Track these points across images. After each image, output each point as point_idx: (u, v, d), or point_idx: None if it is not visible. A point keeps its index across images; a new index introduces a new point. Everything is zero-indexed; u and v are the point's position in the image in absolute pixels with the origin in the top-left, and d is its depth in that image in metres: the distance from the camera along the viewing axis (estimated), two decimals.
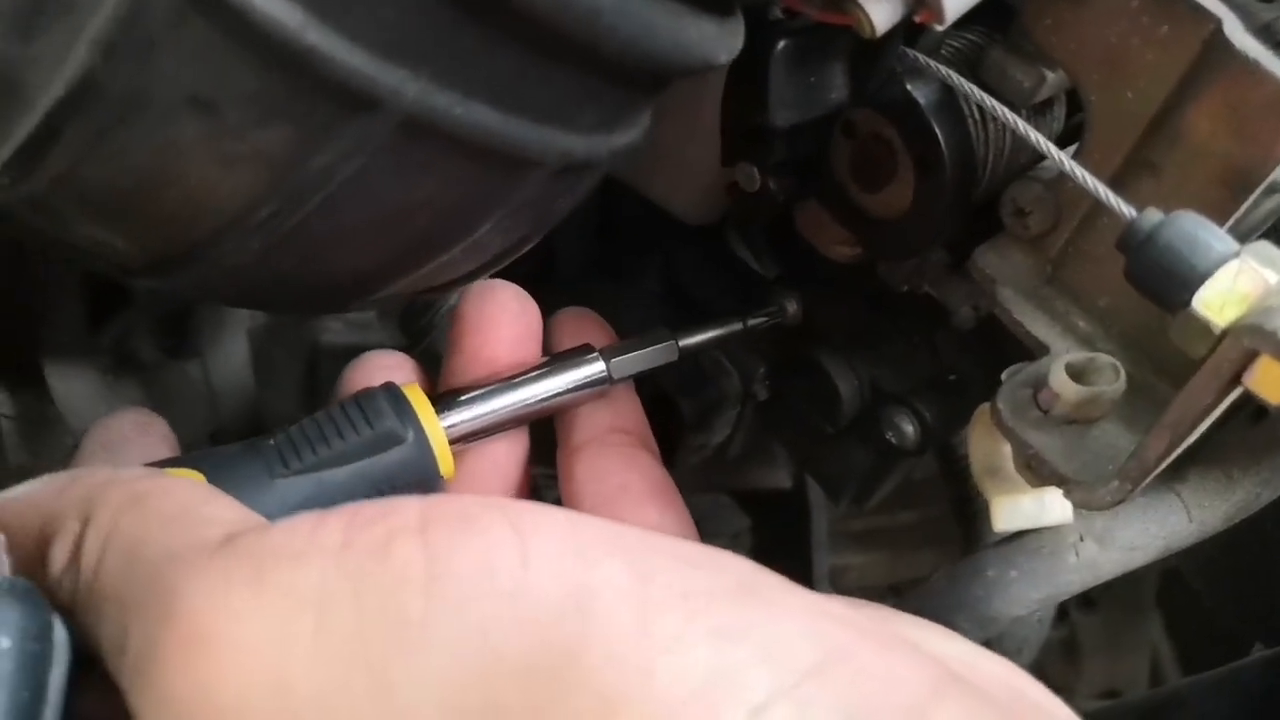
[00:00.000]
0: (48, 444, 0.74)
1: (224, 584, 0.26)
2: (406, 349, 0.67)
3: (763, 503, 0.91)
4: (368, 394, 0.45)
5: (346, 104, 0.29)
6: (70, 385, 0.70)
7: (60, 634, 0.29)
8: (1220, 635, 1.04)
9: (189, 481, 0.33)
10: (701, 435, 0.62)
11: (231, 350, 0.71)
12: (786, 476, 0.85)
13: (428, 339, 0.62)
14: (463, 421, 0.45)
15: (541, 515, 0.27)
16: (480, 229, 0.37)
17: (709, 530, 1.00)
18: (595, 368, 0.49)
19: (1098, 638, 1.20)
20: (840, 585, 1.10)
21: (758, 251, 0.64)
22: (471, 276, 0.44)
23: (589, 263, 0.83)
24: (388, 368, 0.48)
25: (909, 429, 0.56)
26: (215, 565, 0.27)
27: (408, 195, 0.33)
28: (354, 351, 0.78)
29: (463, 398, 0.46)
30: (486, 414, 0.46)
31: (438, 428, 0.44)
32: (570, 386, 0.48)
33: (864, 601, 0.33)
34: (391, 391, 0.44)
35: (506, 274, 0.76)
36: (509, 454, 0.49)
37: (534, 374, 0.47)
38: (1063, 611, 1.19)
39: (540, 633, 0.24)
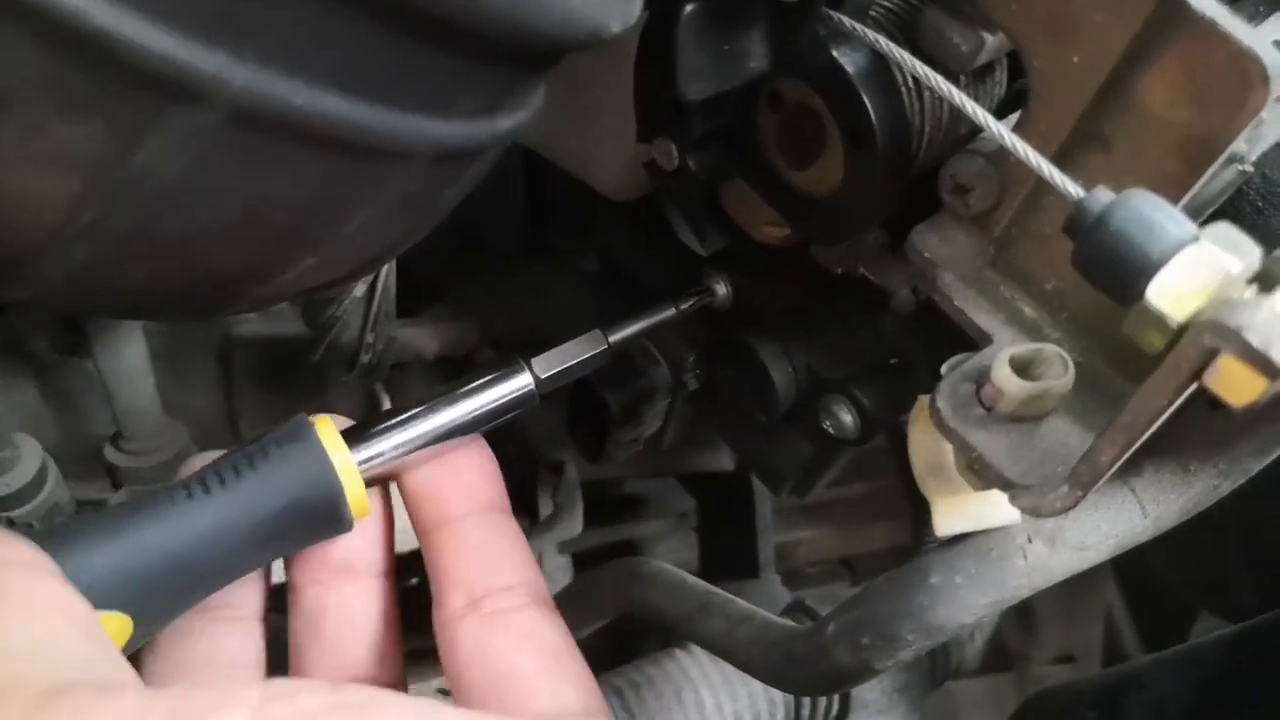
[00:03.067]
0: None
1: None
2: (313, 341, 0.63)
3: (707, 484, 0.88)
4: (282, 430, 0.41)
5: (160, 95, 0.25)
6: None
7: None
8: (1174, 601, 1.03)
9: (50, 587, 0.31)
10: (631, 429, 0.58)
11: (127, 347, 0.66)
12: (729, 459, 0.82)
13: (332, 332, 0.58)
14: (378, 455, 0.41)
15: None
16: (349, 225, 0.32)
17: (655, 512, 0.97)
18: (521, 379, 0.45)
19: (1053, 604, 1.19)
20: (791, 560, 1.07)
21: (696, 228, 0.60)
22: (360, 273, 0.40)
23: (519, 240, 0.78)
24: None
25: (848, 418, 0.52)
26: None
27: (256, 193, 0.29)
28: (268, 342, 0.74)
29: (377, 428, 0.42)
30: (404, 443, 0.42)
31: (350, 465, 0.40)
32: (496, 402, 0.44)
33: None
34: (302, 426, 0.40)
35: (431, 257, 0.72)
36: (368, 612, 0.43)
37: (455, 394, 0.43)
38: None
39: None
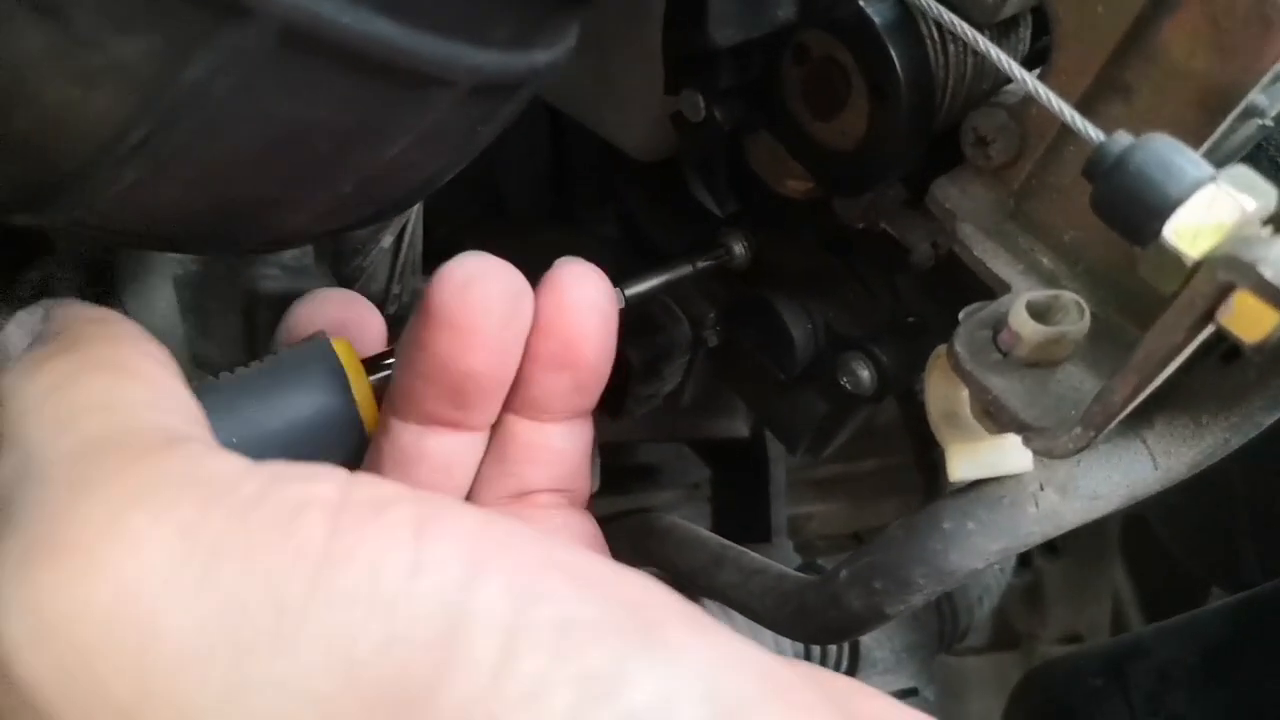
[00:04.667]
0: None
1: (131, 500, 0.25)
2: None
3: (721, 452, 0.89)
4: (297, 347, 0.42)
5: (213, 11, 0.25)
6: None
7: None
8: (1182, 581, 1.04)
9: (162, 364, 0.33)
10: (651, 384, 0.59)
11: (156, 299, 0.67)
12: (744, 425, 0.82)
13: (359, 282, 0.59)
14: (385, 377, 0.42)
15: (450, 517, 0.25)
16: (387, 153, 0.33)
17: (669, 482, 0.98)
18: None
19: (1061, 584, 1.20)
20: (802, 534, 1.08)
21: (714, 190, 0.61)
22: (392, 209, 0.41)
23: (541, 206, 0.79)
24: (336, 305, 0.44)
25: (865, 374, 0.53)
26: (133, 474, 0.26)
27: (299, 115, 0.30)
28: (291, 298, 0.75)
29: (391, 359, 0.43)
30: None
31: (365, 386, 0.41)
32: None
33: (797, 661, 0.30)
34: (320, 345, 0.41)
35: (454, 220, 0.73)
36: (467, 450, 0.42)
37: None
38: (1026, 558, 1.18)
39: (405, 655, 0.23)
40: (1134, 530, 1.14)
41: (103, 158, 0.30)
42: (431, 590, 0.23)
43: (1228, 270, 0.29)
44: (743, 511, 0.88)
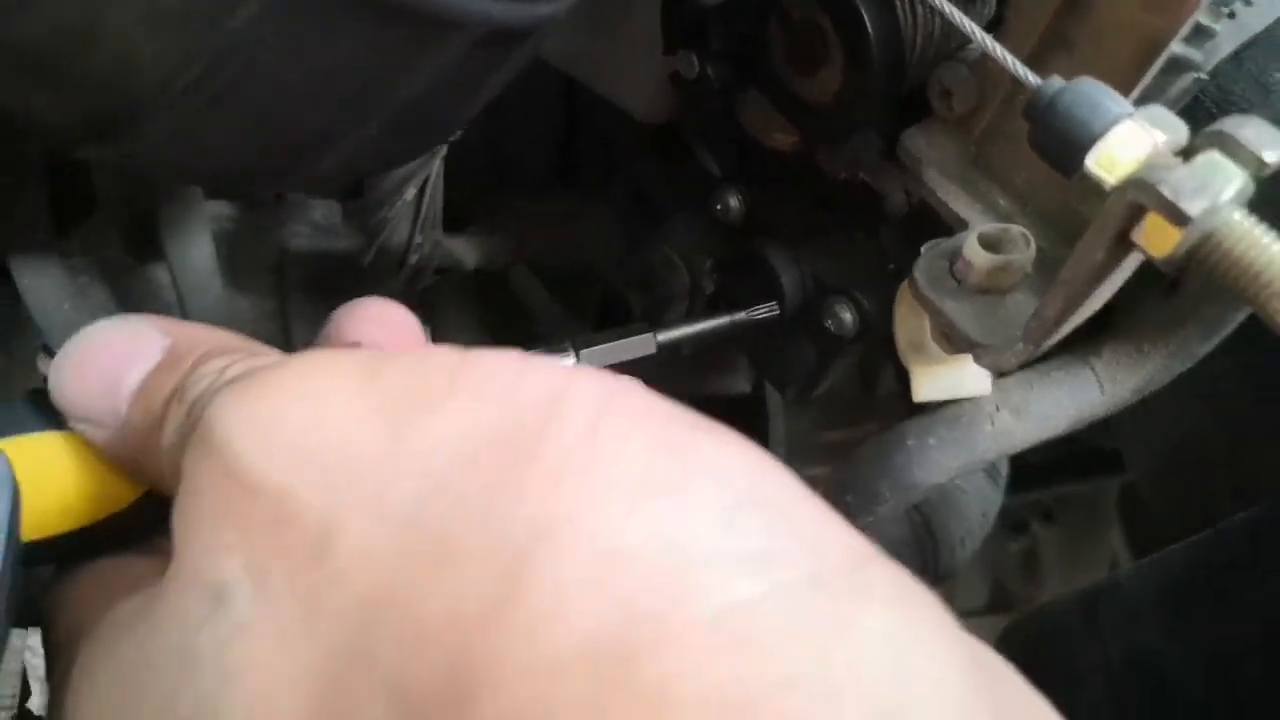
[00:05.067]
0: (19, 344, 0.76)
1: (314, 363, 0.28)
2: (365, 246, 0.69)
3: (721, 408, 0.93)
4: None
5: None
6: (40, 287, 0.71)
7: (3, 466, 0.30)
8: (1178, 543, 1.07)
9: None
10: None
11: (197, 253, 0.72)
12: (746, 382, 0.87)
13: (384, 234, 0.64)
14: None
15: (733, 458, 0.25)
16: (406, 95, 0.38)
17: None
18: (566, 359, 0.47)
19: (1057, 550, 1.23)
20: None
21: (713, 149, 0.65)
22: (411, 150, 0.45)
23: (548, 172, 0.84)
24: (381, 319, 0.40)
25: (847, 317, 0.57)
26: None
27: (329, 57, 0.34)
28: (320, 256, 0.80)
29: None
30: None
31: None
32: None
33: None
34: None
35: (459, 181, 0.77)
36: None
37: None
38: (1023, 524, 1.22)
39: (625, 604, 0.22)
40: (1130, 496, 1.17)
41: (160, 95, 0.34)
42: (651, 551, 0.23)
43: (1136, 192, 0.33)
44: None
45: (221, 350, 0.32)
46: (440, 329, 0.88)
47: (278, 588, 0.25)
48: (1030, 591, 1.22)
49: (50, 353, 0.75)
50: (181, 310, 0.77)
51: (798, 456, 1.07)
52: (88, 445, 0.33)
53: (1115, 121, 0.35)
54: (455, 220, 0.84)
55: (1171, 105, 0.44)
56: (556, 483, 0.24)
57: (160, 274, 0.78)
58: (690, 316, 0.55)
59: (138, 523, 0.35)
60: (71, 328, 0.72)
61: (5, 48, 0.33)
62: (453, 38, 0.36)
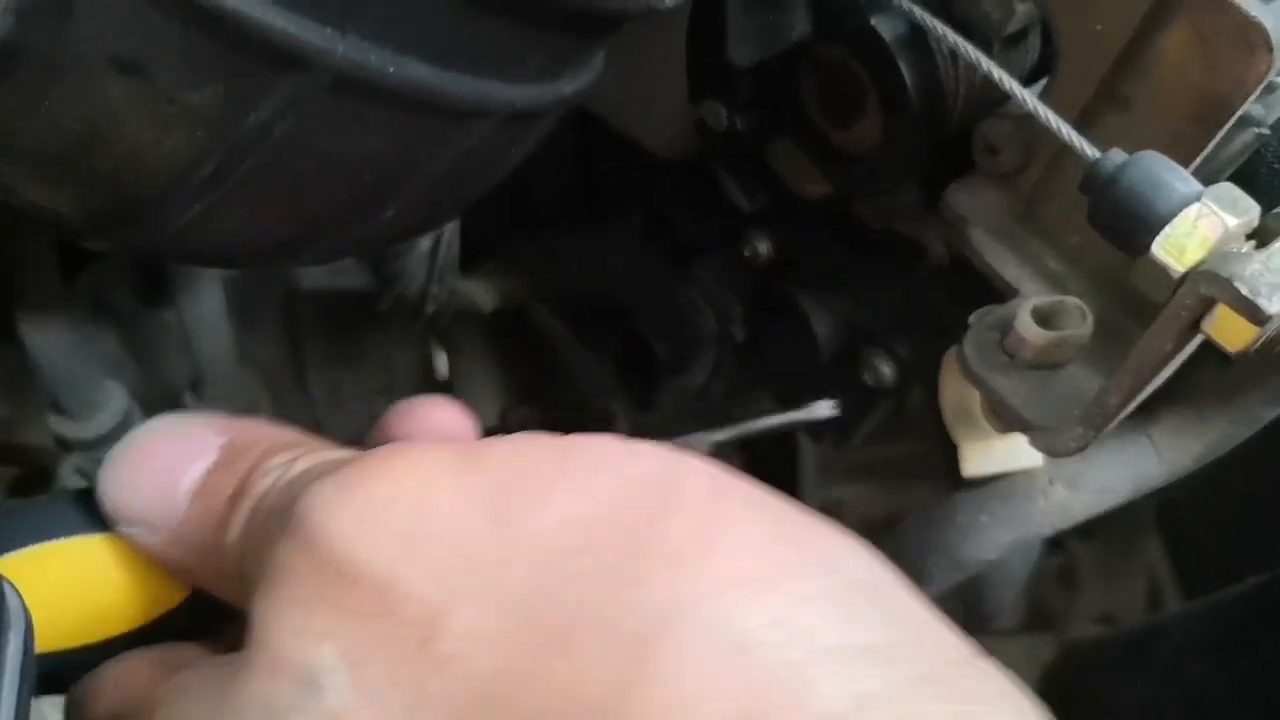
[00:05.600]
0: (24, 396, 0.74)
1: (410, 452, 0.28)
2: (381, 292, 0.67)
3: (752, 439, 0.91)
4: None
5: (275, 64, 0.28)
6: (45, 336, 0.69)
7: (14, 600, 0.29)
8: (1217, 561, 1.05)
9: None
10: (679, 378, 0.61)
11: (206, 297, 0.71)
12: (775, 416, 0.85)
13: (400, 283, 0.62)
14: None
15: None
16: (428, 178, 0.36)
17: None
18: None
19: (1095, 564, 1.20)
20: (834, 519, 1.09)
21: (744, 184, 0.63)
22: (431, 224, 0.43)
23: (568, 203, 0.82)
24: (435, 420, 0.38)
25: (886, 370, 0.55)
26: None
27: (348, 150, 0.33)
28: (331, 295, 0.78)
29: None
30: None
31: None
32: None
33: None
34: None
35: (479, 218, 0.75)
36: None
37: None
38: (1059, 540, 1.19)
39: (750, 696, 0.23)
40: (1168, 509, 1.15)
41: (174, 190, 0.33)
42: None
43: (1208, 285, 0.31)
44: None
45: (283, 446, 0.31)
46: (459, 370, 0.86)
47: (379, 676, 0.24)
48: (1068, 608, 1.20)
49: (60, 409, 0.74)
50: (192, 356, 0.76)
51: (825, 477, 1.05)
52: (133, 547, 0.33)
53: (1183, 203, 0.33)
54: (469, 253, 0.82)
55: (1232, 161, 0.42)
56: (676, 570, 0.24)
57: (169, 317, 0.76)
58: (742, 418, 0.52)
59: (184, 626, 0.34)
60: (78, 380, 0.71)
61: (13, 150, 0.31)
62: (475, 125, 0.34)
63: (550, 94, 0.35)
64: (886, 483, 1.12)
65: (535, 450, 0.27)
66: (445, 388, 1.01)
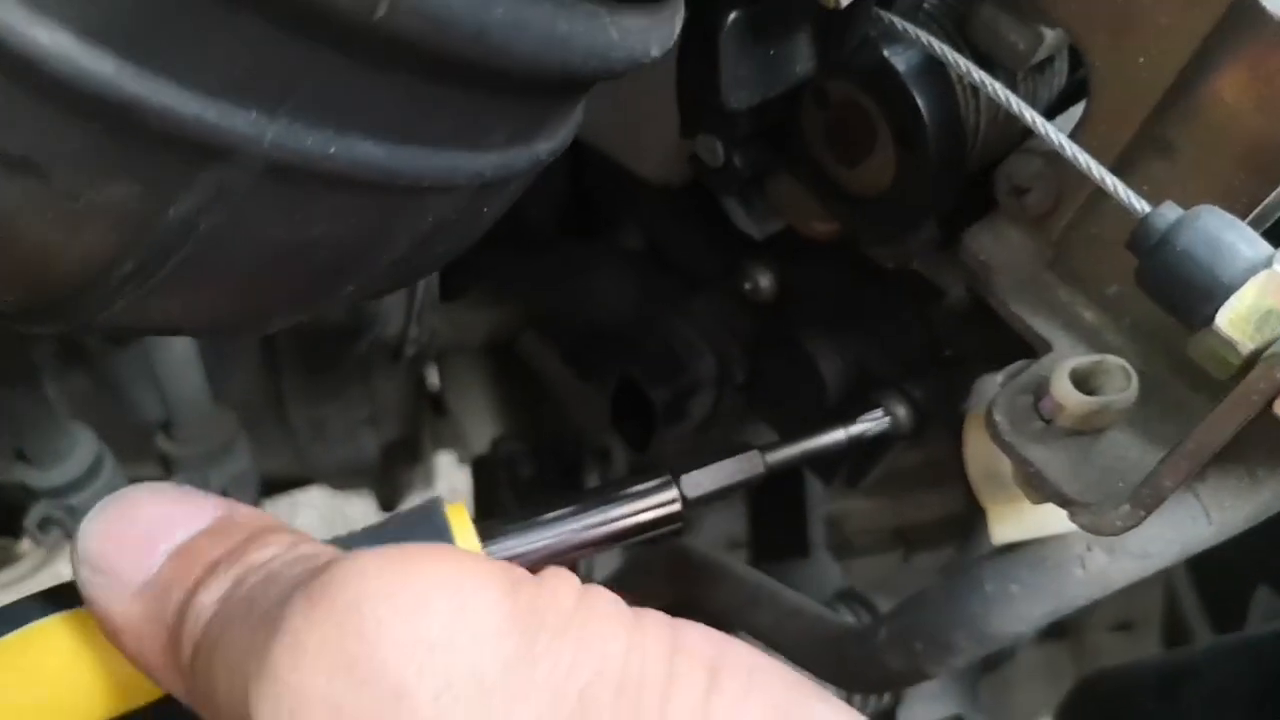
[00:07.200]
0: None
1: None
2: (356, 334, 0.63)
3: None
4: (412, 511, 0.39)
5: (192, 155, 0.24)
6: (7, 387, 0.66)
7: None
8: (1236, 567, 1.01)
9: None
10: (676, 425, 0.57)
11: (174, 340, 0.66)
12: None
13: (376, 328, 0.58)
14: (505, 550, 0.39)
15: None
16: (390, 255, 0.32)
17: None
18: (667, 494, 0.41)
19: None
20: (843, 532, 1.06)
21: (751, 211, 0.58)
22: (399, 288, 0.39)
23: (562, 224, 0.77)
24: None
25: (901, 413, 0.51)
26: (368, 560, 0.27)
27: (293, 236, 0.28)
28: (310, 328, 0.74)
29: (510, 525, 0.40)
30: (536, 544, 0.40)
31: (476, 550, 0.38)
32: (637, 513, 0.41)
33: None
34: (433, 510, 0.39)
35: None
36: None
37: (592, 502, 0.41)
38: None
39: None
40: None
41: (93, 288, 0.29)
42: None
43: None
44: (779, 520, 0.87)
45: (286, 529, 0.31)
46: (449, 397, 0.82)
47: None
48: (1083, 612, 1.17)
49: (24, 458, 0.70)
50: (163, 398, 0.72)
51: (834, 490, 1.02)
52: (93, 629, 0.31)
53: (1250, 270, 0.29)
54: (458, 277, 0.78)
55: None
56: None
57: (140, 357, 0.72)
58: (800, 433, 0.47)
59: None
60: (43, 428, 0.67)
61: None
62: (439, 199, 0.30)
63: (524, 158, 0.31)
64: (895, 495, 1.08)
65: (560, 589, 0.27)
66: (436, 407, 0.97)
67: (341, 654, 0.25)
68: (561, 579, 0.27)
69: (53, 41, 0.21)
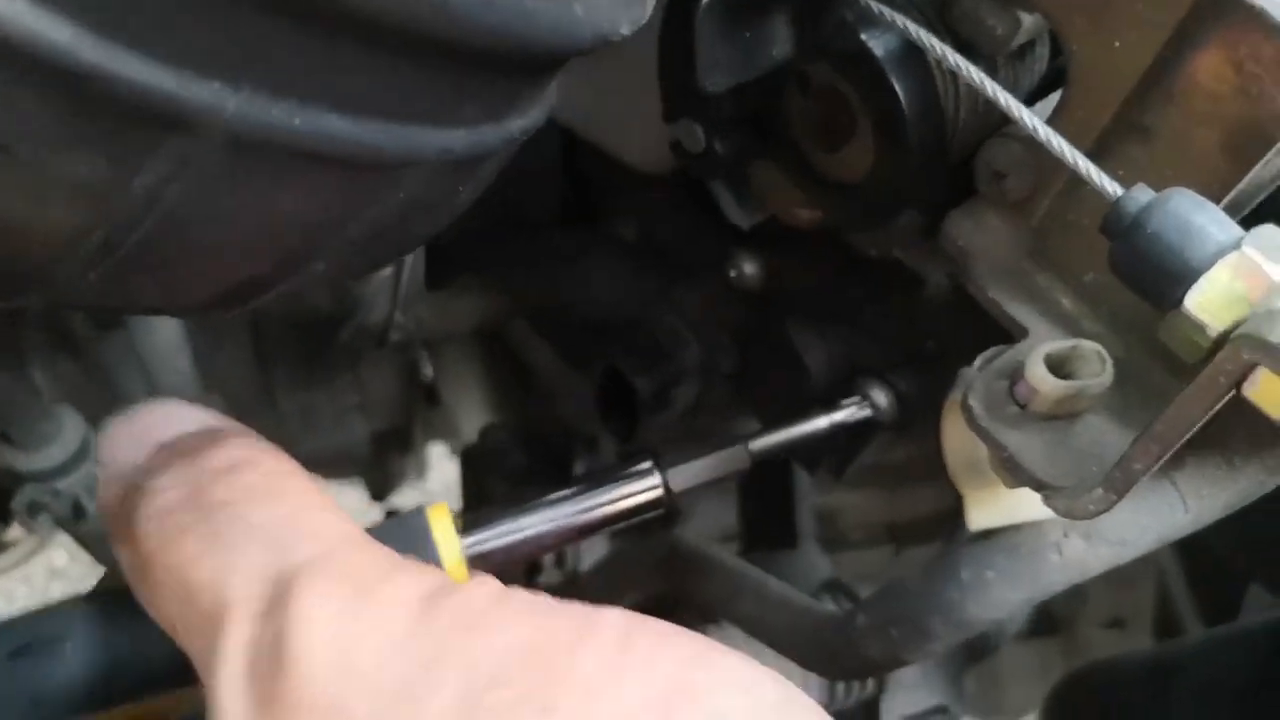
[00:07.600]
0: None
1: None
2: (341, 321, 0.63)
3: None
4: (397, 516, 0.41)
5: (154, 125, 0.24)
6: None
7: None
8: (1229, 565, 1.01)
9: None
10: (660, 414, 0.57)
11: (160, 324, 0.66)
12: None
13: (359, 314, 0.58)
14: (487, 540, 0.40)
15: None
16: (358, 231, 0.32)
17: None
18: (648, 481, 0.42)
19: None
20: (836, 527, 1.06)
21: (740, 199, 0.58)
22: (375, 268, 0.39)
23: (559, 208, 0.77)
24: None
25: (884, 402, 0.51)
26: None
27: (260, 210, 0.28)
28: (298, 314, 0.74)
29: (492, 516, 0.40)
30: (518, 535, 0.40)
31: (455, 550, 0.39)
32: (619, 499, 0.41)
33: None
34: (414, 514, 0.39)
35: (469, 222, 0.71)
36: None
37: (575, 490, 0.41)
38: None
39: None
40: None
41: (63, 259, 0.29)
42: None
43: (1253, 351, 0.27)
44: (769, 509, 0.87)
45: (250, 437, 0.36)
46: (444, 390, 0.82)
47: None
48: (1075, 609, 1.16)
49: (9, 441, 0.70)
50: (150, 384, 0.72)
51: (823, 484, 1.02)
52: None
53: (1219, 252, 0.29)
54: (447, 264, 0.78)
55: (1264, 186, 0.38)
56: (589, 697, 0.25)
57: (126, 340, 0.72)
58: (783, 421, 0.47)
59: None
60: (27, 411, 0.67)
61: None
62: (409, 175, 0.30)
63: (495, 135, 0.31)
64: (887, 488, 1.08)
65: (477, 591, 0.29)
66: (429, 397, 0.97)
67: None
68: (480, 582, 0.29)
69: (7, 6, 0.21)
